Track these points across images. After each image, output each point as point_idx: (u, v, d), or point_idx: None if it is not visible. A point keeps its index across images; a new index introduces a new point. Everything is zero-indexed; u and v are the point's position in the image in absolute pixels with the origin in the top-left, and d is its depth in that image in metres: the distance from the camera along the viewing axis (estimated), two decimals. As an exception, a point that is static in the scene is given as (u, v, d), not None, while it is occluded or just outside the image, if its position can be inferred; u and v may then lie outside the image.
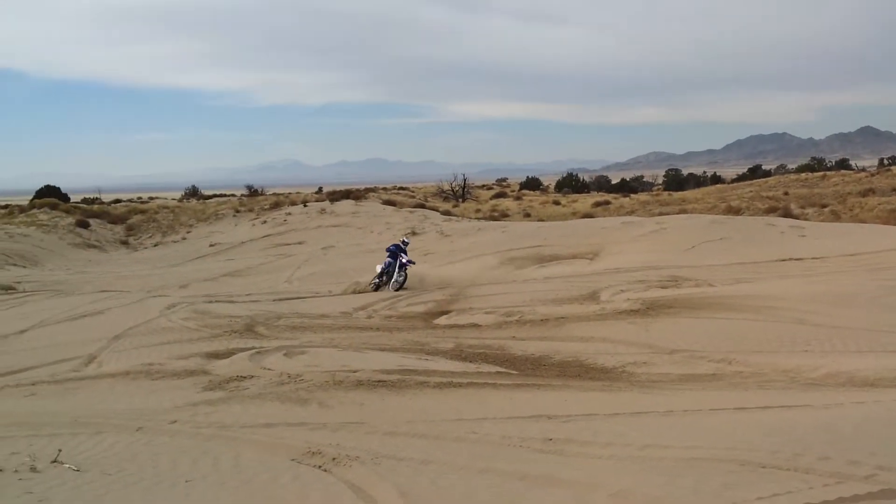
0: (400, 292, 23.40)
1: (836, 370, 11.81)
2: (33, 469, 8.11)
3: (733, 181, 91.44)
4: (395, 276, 24.38)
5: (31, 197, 76.07)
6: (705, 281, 21.52)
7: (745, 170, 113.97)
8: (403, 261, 24.62)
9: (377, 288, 24.59)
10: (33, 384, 12.98)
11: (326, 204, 58.11)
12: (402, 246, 25.49)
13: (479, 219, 54.56)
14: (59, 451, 8.61)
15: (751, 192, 60.92)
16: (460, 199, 76.61)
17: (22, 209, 62.71)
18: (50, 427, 9.98)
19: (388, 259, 24.91)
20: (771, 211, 44.91)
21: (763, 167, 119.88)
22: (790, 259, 25.73)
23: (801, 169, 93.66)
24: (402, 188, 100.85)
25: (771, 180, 74.32)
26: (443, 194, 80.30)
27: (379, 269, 25.03)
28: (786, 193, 55.55)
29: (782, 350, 13.48)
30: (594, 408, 9.96)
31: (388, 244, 27.35)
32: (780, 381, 11.49)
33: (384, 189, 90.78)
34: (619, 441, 8.32)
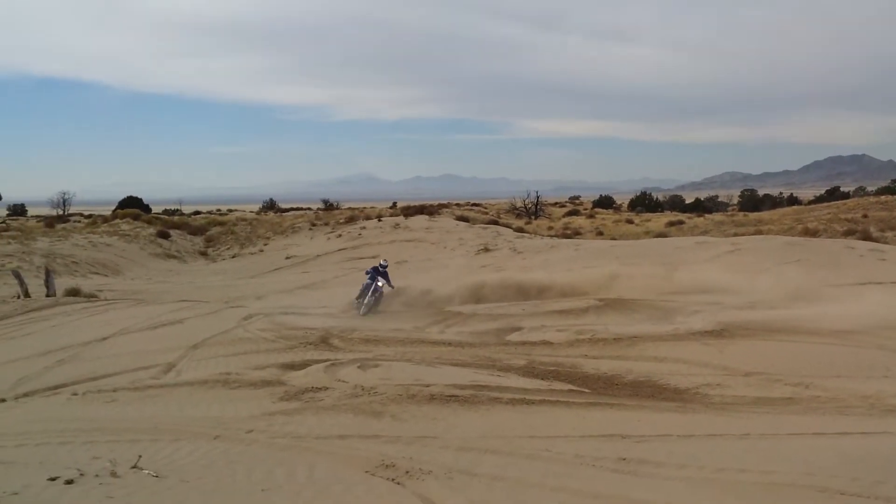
0: (473, 308, 23.06)
1: (917, 397, 11.59)
2: (114, 474, 8.28)
3: (810, 203, 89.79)
4: (365, 299, 23.33)
5: (114, 207, 77.82)
6: (781, 303, 21.17)
7: (823, 191, 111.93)
8: (379, 284, 23.64)
9: (358, 307, 23.51)
10: (114, 391, 13.26)
11: (400, 219, 58.39)
12: (381, 269, 24.30)
13: (551, 236, 54.34)
14: (140, 457, 8.80)
15: (828, 214, 59.74)
16: (533, 217, 76.49)
17: (105, 219, 64.12)
18: (130, 433, 10.21)
19: (367, 282, 23.84)
20: (849, 233, 43.99)
21: (841, 189, 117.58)
22: (869, 283, 25.19)
23: (880, 191, 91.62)
24: (475, 204, 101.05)
25: (849, 202, 72.74)
26: (515, 211, 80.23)
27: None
28: (865, 216, 54.36)
29: (861, 375, 13.22)
30: (668, 429, 9.89)
31: (461, 259, 26.91)
32: (860, 407, 11.28)
33: (457, 205, 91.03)
34: (693, 463, 8.26)
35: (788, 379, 13.13)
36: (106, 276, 43.02)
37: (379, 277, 23.62)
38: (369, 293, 23.36)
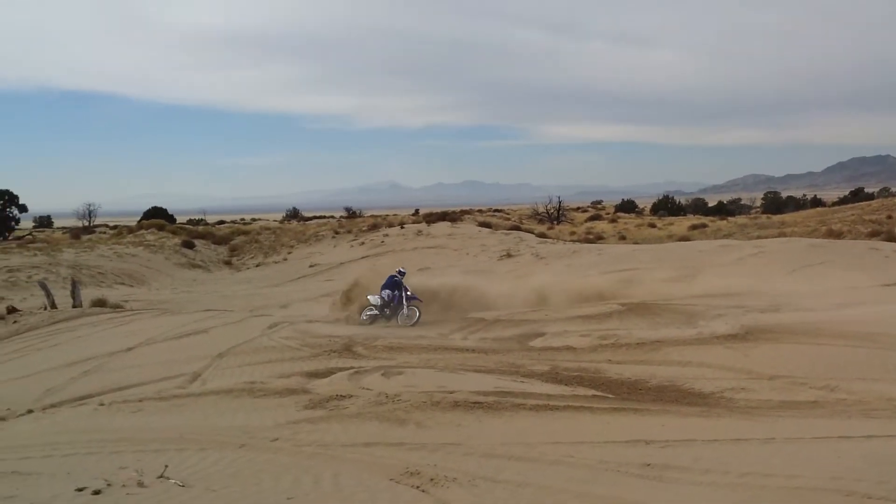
0: (496, 314, 22.90)
1: (944, 399, 11.51)
2: (140, 484, 8.32)
3: (834, 204, 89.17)
4: (405, 312, 22.89)
5: (139, 218, 78.47)
6: (806, 306, 21.08)
7: (847, 193, 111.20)
8: (409, 294, 23.22)
9: (373, 321, 23.00)
10: (140, 401, 13.36)
11: (423, 226, 58.49)
12: (400, 278, 23.82)
13: (574, 241, 54.30)
14: (166, 466, 8.85)
15: (852, 215, 59.27)
16: (555, 222, 76.40)
17: (130, 230, 64.63)
18: (156, 443, 10.28)
19: (388, 292, 23.21)
20: (874, 235, 43.72)
21: (865, 190, 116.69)
22: (895, 284, 25.06)
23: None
24: (497, 210, 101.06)
25: (874, 203, 72.07)
26: (538, 216, 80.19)
27: (375, 300, 23.36)
28: (889, 217, 53.90)
29: (887, 378, 13.13)
30: (693, 433, 9.87)
31: (482, 265, 26.65)
32: (885, 410, 11.20)
33: (480, 211, 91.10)
34: (718, 468, 8.24)
35: (813, 382, 13.05)
36: (131, 286, 43.32)
37: (406, 288, 23.34)
38: (405, 304, 23.04)
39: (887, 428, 9.87)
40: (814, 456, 8.54)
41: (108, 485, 8.30)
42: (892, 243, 36.86)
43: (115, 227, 75.59)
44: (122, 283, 43.49)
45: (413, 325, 22.39)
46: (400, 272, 24.22)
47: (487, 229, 57.29)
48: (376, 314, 23.26)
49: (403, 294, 23.25)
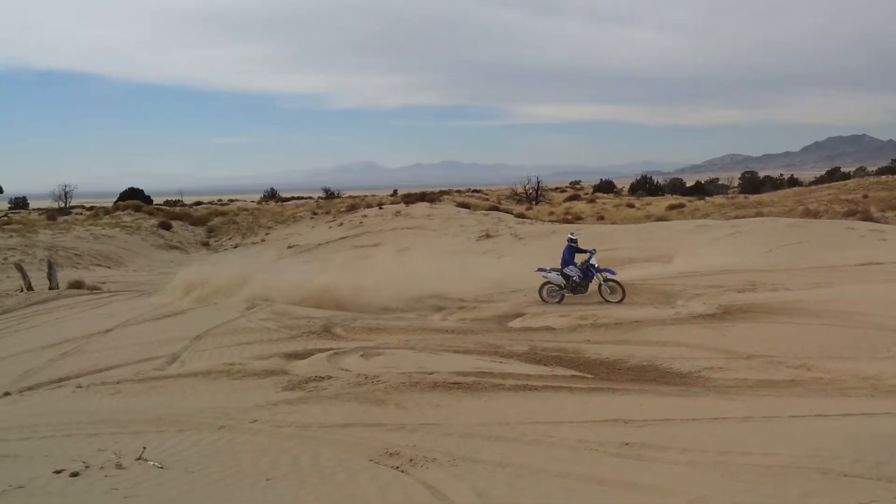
0: (475, 294, 22.76)
1: (919, 377, 11.60)
2: (119, 466, 8.28)
3: (811, 184, 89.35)
4: (605, 287, 21.38)
5: (115, 199, 77.90)
6: (783, 285, 21.21)
7: (824, 172, 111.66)
8: (597, 266, 21.82)
9: (561, 299, 21.64)
10: (118, 382, 13.28)
11: (401, 206, 58.46)
12: (576, 245, 22.33)
13: (552, 221, 54.35)
14: (144, 448, 8.80)
15: (829, 195, 59.49)
16: (533, 202, 76.31)
17: (107, 211, 64.21)
18: (134, 425, 10.22)
19: (575, 269, 21.78)
20: (850, 214, 44.02)
21: (842, 170, 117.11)
22: (870, 263, 25.22)
23: (881, 171, 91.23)
24: (476, 191, 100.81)
25: (850, 183, 72.38)
26: (516, 197, 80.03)
27: (556, 277, 21.78)
28: (865, 196, 54.13)
29: (863, 356, 13.25)
30: (671, 413, 9.92)
31: (468, 245, 26.02)
32: (861, 388, 11.31)
33: (458, 192, 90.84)
34: (696, 447, 8.28)
35: (790, 361, 13.16)
36: (108, 267, 43.07)
37: (590, 255, 22.03)
38: (602, 279, 21.59)
39: (863, 406, 9.96)
40: (791, 434, 8.60)
41: (87, 467, 8.26)
42: (868, 223, 37.13)
43: (91, 208, 74.92)
44: (99, 265, 43.25)
45: (619, 301, 20.93)
46: (572, 238, 22.78)
47: (466, 210, 57.31)
48: (565, 292, 21.97)
49: (591, 266, 21.88)
